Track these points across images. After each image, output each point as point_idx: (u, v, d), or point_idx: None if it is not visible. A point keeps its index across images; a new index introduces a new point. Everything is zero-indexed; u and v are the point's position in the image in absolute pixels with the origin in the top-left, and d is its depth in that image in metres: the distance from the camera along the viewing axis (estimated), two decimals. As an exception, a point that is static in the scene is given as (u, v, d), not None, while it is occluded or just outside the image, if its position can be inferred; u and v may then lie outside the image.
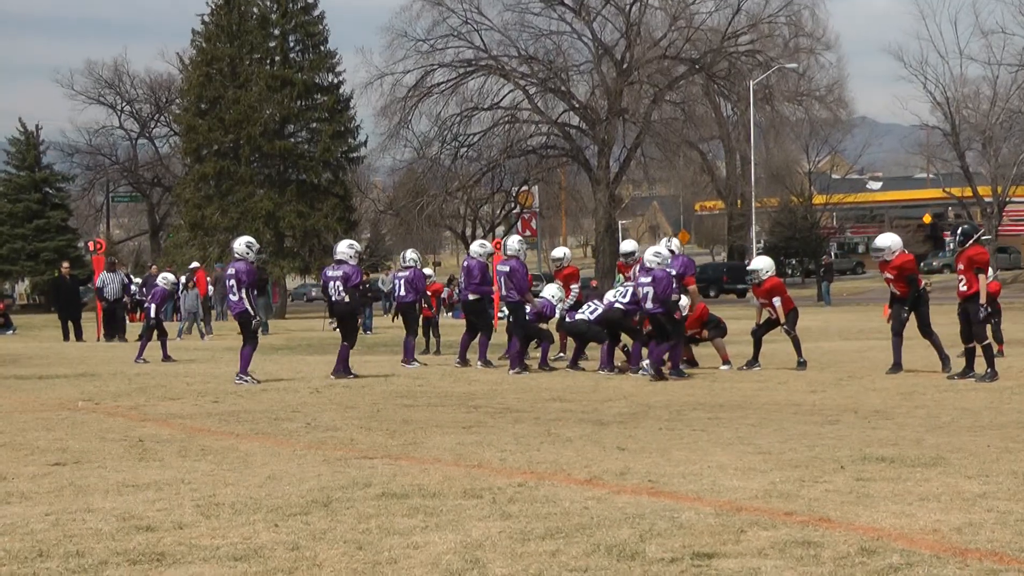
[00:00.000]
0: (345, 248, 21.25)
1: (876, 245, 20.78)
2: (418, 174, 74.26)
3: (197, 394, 18.20)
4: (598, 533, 7.91)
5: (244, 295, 19.99)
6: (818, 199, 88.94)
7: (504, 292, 22.33)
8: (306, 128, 65.85)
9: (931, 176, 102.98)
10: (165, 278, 28.36)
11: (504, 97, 72.87)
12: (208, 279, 41.89)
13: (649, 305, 20.04)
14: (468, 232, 78.85)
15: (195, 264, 42.71)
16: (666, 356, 20.79)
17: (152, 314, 26.91)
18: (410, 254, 25.39)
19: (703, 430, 13.14)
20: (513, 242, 22.76)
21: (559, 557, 7.32)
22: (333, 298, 20.99)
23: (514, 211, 79.00)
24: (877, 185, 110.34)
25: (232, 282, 20.14)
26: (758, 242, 76.34)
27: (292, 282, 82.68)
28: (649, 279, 20.13)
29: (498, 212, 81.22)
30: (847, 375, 20.29)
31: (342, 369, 20.64)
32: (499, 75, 71.72)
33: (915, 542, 7.56)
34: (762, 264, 22.33)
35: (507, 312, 24.50)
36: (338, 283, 20.74)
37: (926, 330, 20.42)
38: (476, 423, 14.09)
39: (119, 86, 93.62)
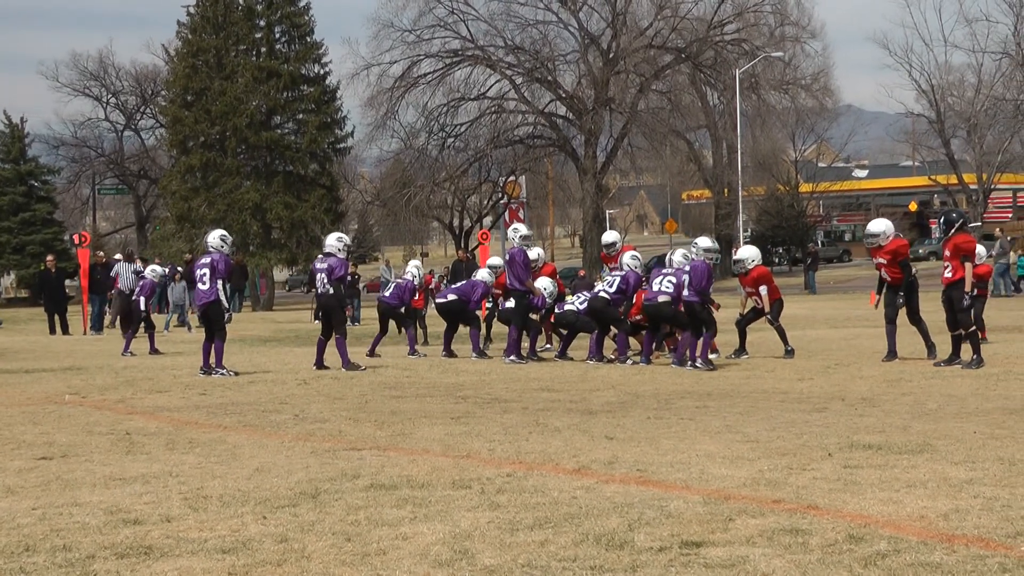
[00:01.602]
0: (333, 241, 21.18)
1: (870, 231, 20.77)
2: (405, 165, 74.14)
3: (184, 387, 18.16)
4: (587, 523, 7.90)
5: (220, 286, 19.93)
6: (804, 187, 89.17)
7: (508, 280, 22.42)
8: (292, 119, 65.71)
9: (917, 164, 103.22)
10: (153, 270, 28.24)
11: (491, 87, 72.84)
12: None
13: (685, 293, 20.16)
14: (456, 223, 78.77)
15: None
16: (658, 346, 20.86)
17: (141, 307, 26.83)
18: (412, 264, 25.93)
19: (691, 419, 13.15)
20: (511, 232, 22.88)
21: (548, 547, 7.31)
22: (319, 290, 20.98)
23: (501, 201, 78.90)
24: (863, 173, 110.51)
25: (205, 271, 20.06)
26: (745, 231, 76.39)
27: (279, 274, 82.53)
28: (686, 269, 20.31)
29: (485, 203, 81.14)
30: (834, 363, 20.31)
31: (348, 362, 20.58)
32: (485, 65, 71.65)
33: (902, 528, 7.57)
34: (748, 254, 22.36)
35: (492, 303, 24.76)
36: (324, 275, 20.73)
37: (915, 317, 20.45)
38: (465, 414, 14.08)
39: (104, 78, 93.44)
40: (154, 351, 26.26)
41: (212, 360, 20.03)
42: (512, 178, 76.41)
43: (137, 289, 27.67)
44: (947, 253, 19.26)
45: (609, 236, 24.70)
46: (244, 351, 26.62)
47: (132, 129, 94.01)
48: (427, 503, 8.65)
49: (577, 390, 16.83)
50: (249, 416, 14.28)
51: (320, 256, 21.41)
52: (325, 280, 20.70)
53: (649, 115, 70.65)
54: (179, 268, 42.41)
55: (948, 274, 19.11)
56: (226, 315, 20.13)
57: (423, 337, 28.18)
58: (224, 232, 20.96)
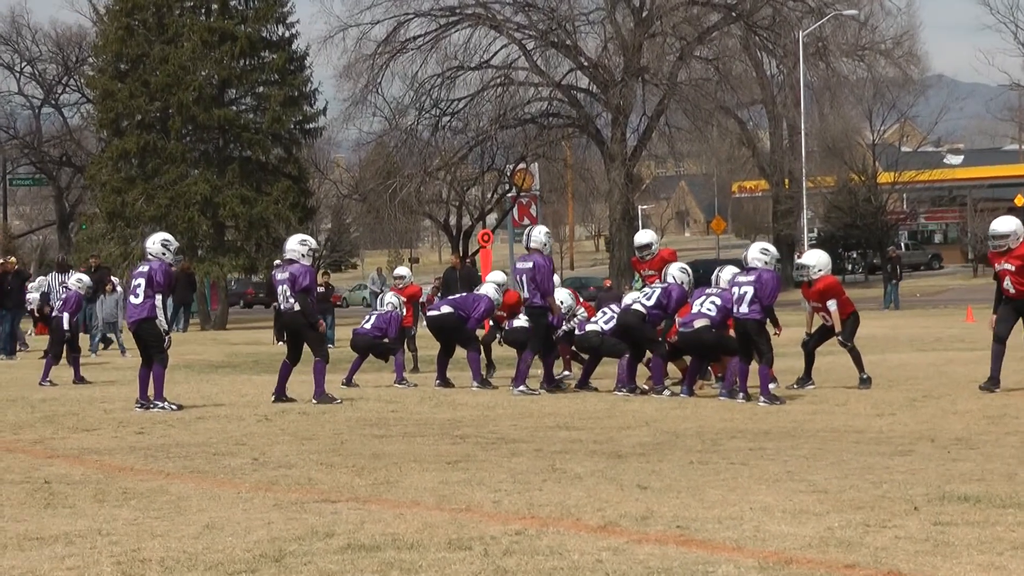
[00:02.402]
0: (295, 245, 21.10)
1: (996, 231, 20.64)
2: (390, 149, 74.11)
3: (117, 424, 18.17)
4: (614, 592, 7.91)
5: (157, 301, 19.89)
6: (884, 177, 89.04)
7: (526, 294, 22.19)
8: (251, 93, 65.81)
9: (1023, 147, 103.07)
10: (80, 280, 28.19)
11: (496, 54, 72.72)
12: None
13: (744, 309, 20.02)
14: (452, 221, 78.84)
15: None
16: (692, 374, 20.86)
17: (65, 325, 26.84)
18: (389, 295, 25.82)
19: (744, 463, 13.15)
20: (539, 234, 22.59)
21: (566, 622, 7.33)
22: (282, 306, 20.98)
23: (509, 195, 78.93)
24: (957, 159, 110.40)
25: (140, 282, 20.03)
26: (810, 231, 76.42)
27: (235, 285, 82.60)
28: (751, 279, 20.11)
29: (489, 196, 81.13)
30: (921, 394, 20.31)
31: (322, 392, 20.57)
32: (489, 27, 71.60)
33: (1006, 601, 7.57)
34: (814, 260, 22.28)
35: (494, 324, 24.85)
36: (286, 287, 20.68)
37: None
38: (463, 457, 14.09)
39: (17, 42, 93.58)
40: (79, 380, 26.27)
41: (151, 391, 20.05)
42: (522, 166, 76.39)
43: (60, 304, 27.68)
44: None
45: (643, 236, 24.70)
46: (191, 379, 26.64)
47: (52, 105, 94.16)
48: (417, 568, 8.66)
49: (603, 428, 16.83)
50: (197, 460, 14.29)
51: (279, 263, 21.37)
52: (288, 292, 20.66)
53: (691, 88, 70.54)
54: (113, 278, 42.31)
55: None
56: (165, 337, 20.10)
57: (413, 362, 28.18)
58: (167, 236, 20.94)
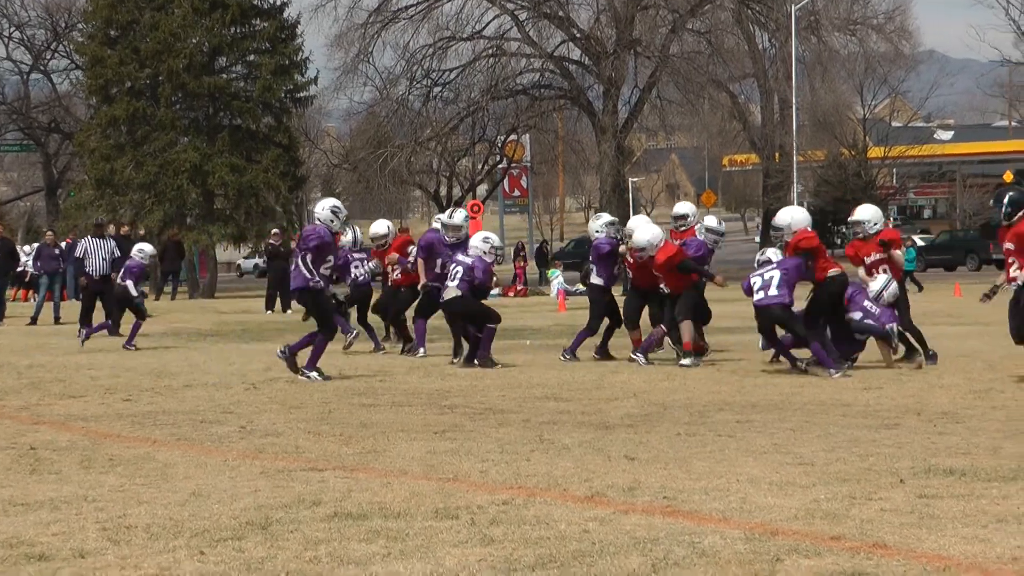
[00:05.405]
0: (327, 212, 20.22)
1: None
2: (381, 119, 73.98)
3: (104, 391, 18.18)
4: (601, 562, 7.92)
5: (131, 282, 20.00)
6: (874, 152, 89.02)
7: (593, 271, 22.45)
8: (242, 61, 65.60)
9: (1014, 124, 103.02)
10: (142, 250, 27.89)
11: (488, 24, 72.58)
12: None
13: (773, 292, 19.68)
14: (443, 191, 78.76)
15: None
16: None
17: (132, 292, 26.69)
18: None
19: (731, 436, 13.17)
20: (598, 223, 22.96)
21: (551, 592, 7.34)
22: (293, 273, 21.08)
23: (500, 166, 78.81)
24: (947, 135, 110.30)
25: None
26: (800, 204, 76.35)
27: (224, 253, 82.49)
28: (774, 266, 19.97)
29: (480, 167, 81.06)
30: (908, 368, 20.32)
31: (314, 367, 20.36)
32: (481, -4, 71.47)
33: (990, 573, 7.58)
34: (788, 218, 21.24)
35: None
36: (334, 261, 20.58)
37: None
38: (451, 427, 14.12)
39: (6, 7, 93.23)
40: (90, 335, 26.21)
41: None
42: (513, 137, 76.30)
43: (122, 272, 27.62)
44: (1008, 246, 18.47)
45: (682, 207, 24.32)
46: (179, 347, 26.62)
47: (40, 71, 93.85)
48: (404, 536, 8.68)
49: (590, 399, 16.85)
50: (184, 428, 14.31)
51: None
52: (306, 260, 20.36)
53: (683, 61, 70.42)
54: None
55: (1015, 272, 18.40)
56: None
57: (385, 331, 28.10)
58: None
